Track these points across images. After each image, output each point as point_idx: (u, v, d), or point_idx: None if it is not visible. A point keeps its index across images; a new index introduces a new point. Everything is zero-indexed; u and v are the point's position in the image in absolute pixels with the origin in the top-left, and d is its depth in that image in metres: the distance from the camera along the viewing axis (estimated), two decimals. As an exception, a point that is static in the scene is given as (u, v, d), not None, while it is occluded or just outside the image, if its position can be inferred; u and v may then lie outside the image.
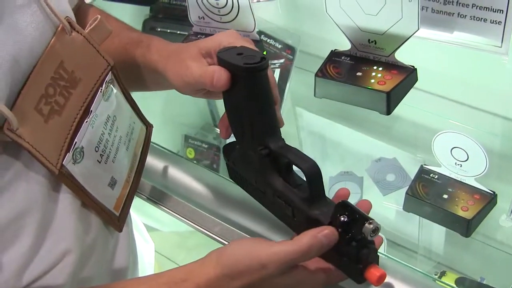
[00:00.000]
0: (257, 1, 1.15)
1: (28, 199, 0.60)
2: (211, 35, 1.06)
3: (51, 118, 0.61)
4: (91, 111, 0.66)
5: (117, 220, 0.73)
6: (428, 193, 0.93)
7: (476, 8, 0.86)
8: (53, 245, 0.62)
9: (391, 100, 0.89)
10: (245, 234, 0.82)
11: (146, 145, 0.80)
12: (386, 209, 1.12)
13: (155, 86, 0.86)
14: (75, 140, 0.63)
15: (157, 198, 0.89)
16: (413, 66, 0.91)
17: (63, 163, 0.62)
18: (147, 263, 0.89)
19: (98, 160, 0.68)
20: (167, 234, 1.46)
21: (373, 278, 0.64)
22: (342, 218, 0.63)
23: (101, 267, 0.71)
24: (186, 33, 1.11)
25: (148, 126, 0.81)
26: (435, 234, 1.07)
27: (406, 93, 0.92)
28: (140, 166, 0.78)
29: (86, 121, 0.65)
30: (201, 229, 0.85)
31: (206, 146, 1.45)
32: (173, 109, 1.12)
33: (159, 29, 1.24)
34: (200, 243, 1.51)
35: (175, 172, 0.92)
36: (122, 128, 0.74)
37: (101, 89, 0.68)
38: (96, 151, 0.67)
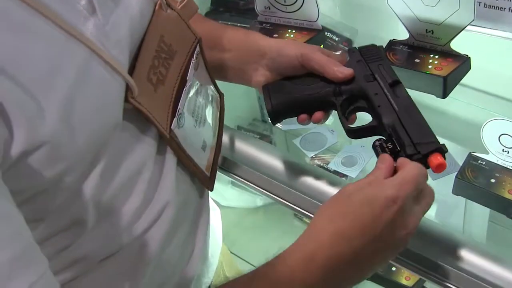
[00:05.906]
0: (316, -5, 1.21)
1: (140, 160, 0.65)
2: (276, 24, 1.14)
3: (158, 87, 0.67)
4: (188, 80, 0.72)
5: (208, 179, 0.79)
6: (477, 177, 0.98)
7: (529, 4, 0.92)
8: (157, 199, 0.68)
9: (448, 85, 0.95)
10: (316, 202, 0.87)
11: (222, 113, 0.86)
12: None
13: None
14: (178, 106, 0.70)
15: (226, 166, 0.95)
16: (467, 55, 0.97)
17: (171, 127, 0.68)
18: (216, 227, 0.95)
19: (194, 125, 0.74)
20: (223, 211, 1.50)
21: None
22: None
23: (189, 224, 0.77)
24: (248, 26, 1.18)
25: (221, 95, 0.88)
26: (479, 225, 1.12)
27: (460, 80, 0.98)
28: (220, 132, 0.84)
29: (185, 89, 0.71)
30: (272, 196, 0.90)
31: (258, 136, 1.52)
32: (226, 101, 1.18)
33: (220, 22, 1.29)
34: (254, 224, 1.56)
35: (241, 145, 0.97)
36: (206, 96, 0.80)
37: (193, 60, 0.74)
38: (192, 116, 0.74)
